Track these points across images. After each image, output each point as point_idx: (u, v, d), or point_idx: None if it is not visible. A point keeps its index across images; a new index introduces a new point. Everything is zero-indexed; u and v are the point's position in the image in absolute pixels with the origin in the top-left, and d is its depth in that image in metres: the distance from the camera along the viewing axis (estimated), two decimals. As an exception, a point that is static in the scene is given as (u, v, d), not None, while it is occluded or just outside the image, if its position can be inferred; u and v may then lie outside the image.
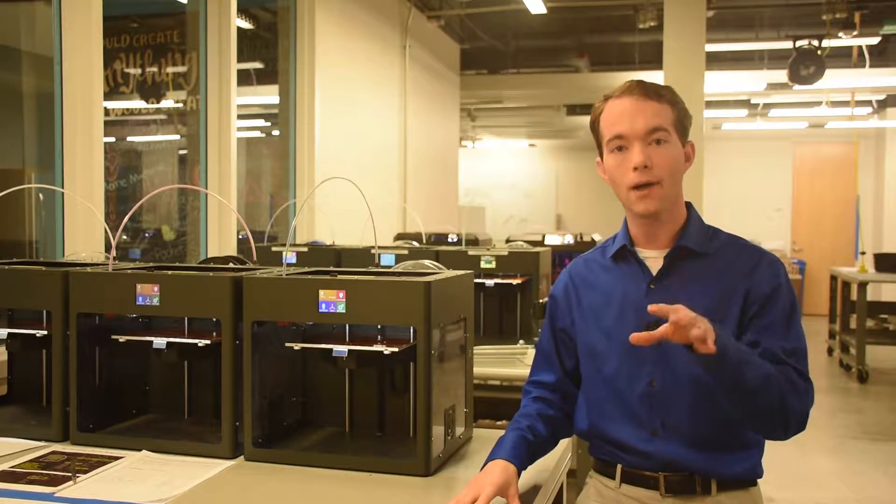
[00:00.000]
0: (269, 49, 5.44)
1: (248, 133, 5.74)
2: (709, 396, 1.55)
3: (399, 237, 5.11)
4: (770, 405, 1.49)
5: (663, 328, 1.37)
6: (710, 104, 9.27)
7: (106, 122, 3.38)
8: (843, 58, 8.17)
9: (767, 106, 10.85)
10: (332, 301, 1.59)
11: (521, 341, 3.11)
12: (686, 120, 1.64)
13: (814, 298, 11.43)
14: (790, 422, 1.51)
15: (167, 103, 4.34)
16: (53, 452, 1.70)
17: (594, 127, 1.66)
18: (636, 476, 1.62)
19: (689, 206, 1.69)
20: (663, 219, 1.63)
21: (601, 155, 1.67)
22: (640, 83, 1.61)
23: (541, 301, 3.04)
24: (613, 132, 1.59)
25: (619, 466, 1.65)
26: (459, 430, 1.76)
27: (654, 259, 1.65)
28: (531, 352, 2.92)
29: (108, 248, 2.93)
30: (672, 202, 1.62)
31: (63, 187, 3.21)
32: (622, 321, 1.63)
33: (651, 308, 1.37)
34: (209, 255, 4.15)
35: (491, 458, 1.52)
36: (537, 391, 1.74)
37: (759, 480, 1.66)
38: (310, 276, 1.67)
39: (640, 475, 1.62)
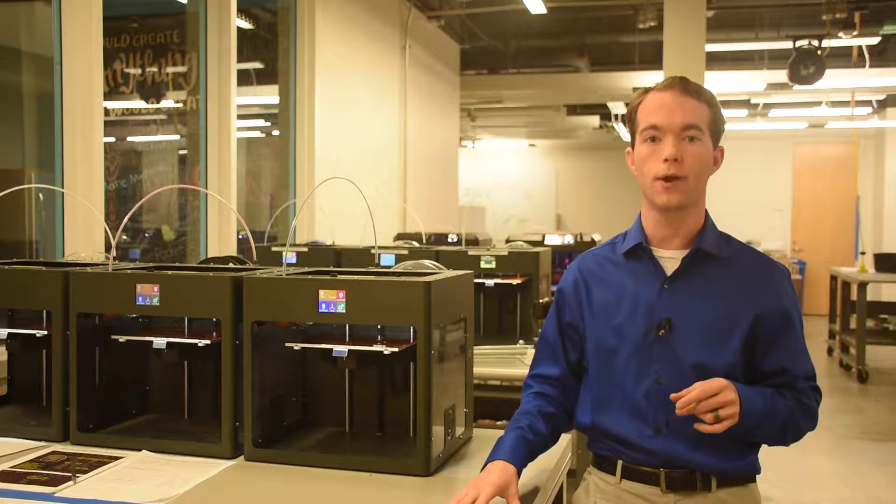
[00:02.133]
0: (269, 49, 5.44)
1: (248, 133, 5.73)
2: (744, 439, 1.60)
3: (399, 237, 5.12)
4: (776, 439, 1.61)
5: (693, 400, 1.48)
6: (710, 104, 9.24)
7: (106, 122, 3.37)
8: (843, 58, 8.16)
9: (767, 106, 10.85)
10: (332, 301, 1.59)
11: (521, 341, 3.11)
12: (720, 125, 1.65)
13: (814, 298, 11.42)
14: (796, 438, 1.63)
15: (167, 103, 4.34)
16: (53, 452, 1.70)
17: (631, 116, 1.68)
18: (637, 472, 1.63)
19: (706, 212, 1.70)
20: (682, 216, 1.63)
21: (632, 145, 1.68)
22: (683, 79, 1.63)
23: (541, 301, 3.04)
24: (649, 122, 1.61)
25: (619, 462, 1.65)
26: (459, 430, 1.76)
27: (668, 259, 1.65)
28: (531, 352, 2.92)
29: (108, 248, 2.93)
30: (693, 201, 1.63)
31: (63, 187, 3.20)
32: (633, 319, 1.63)
33: (674, 397, 1.50)
34: (209, 255, 4.15)
35: (491, 458, 1.52)
36: (539, 386, 1.74)
37: (758, 479, 1.67)
38: (310, 276, 1.67)
39: (641, 471, 1.63)
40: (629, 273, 1.68)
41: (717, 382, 1.48)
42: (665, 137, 1.59)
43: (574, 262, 1.79)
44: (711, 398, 1.47)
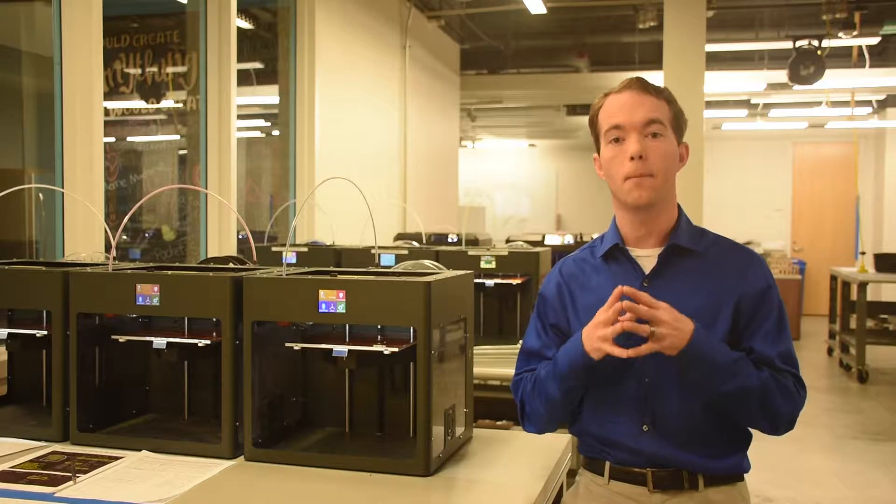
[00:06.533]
0: (269, 49, 5.44)
1: (248, 133, 5.74)
2: (698, 393, 1.57)
3: (399, 237, 5.12)
4: (749, 412, 1.56)
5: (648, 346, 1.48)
6: (710, 104, 9.27)
7: (106, 122, 3.38)
8: (843, 58, 8.17)
9: (767, 106, 10.85)
10: (332, 301, 1.59)
11: (520, 341, 3.10)
12: (681, 121, 1.67)
13: (814, 298, 11.42)
14: (779, 423, 1.58)
15: (167, 103, 4.34)
16: (53, 452, 1.70)
17: (593, 121, 1.69)
18: (624, 472, 1.64)
19: (678, 207, 1.71)
20: (655, 214, 1.64)
21: (598, 150, 1.69)
22: (639, 79, 1.64)
23: (541, 301, 3.04)
24: (611, 123, 1.62)
25: (607, 463, 1.66)
26: (459, 430, 1.76)
27: (645, 258, 1.66)
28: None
29: (108, 248, 2.93)
30: (664, 197, 1.64)
31: (63, 187, 3.21)
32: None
33: (626, 290, 1.48)
34: (209, 255, 4.15)
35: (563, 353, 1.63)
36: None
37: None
38: (310, 276, 1.67)
39: (629, 471, 1.63)
40: (609, 275, 1.68)
41: (683, 318, 1.49)
42: (628, 136, 1.60)
43: (555, 268, 1.79)
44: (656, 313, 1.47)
